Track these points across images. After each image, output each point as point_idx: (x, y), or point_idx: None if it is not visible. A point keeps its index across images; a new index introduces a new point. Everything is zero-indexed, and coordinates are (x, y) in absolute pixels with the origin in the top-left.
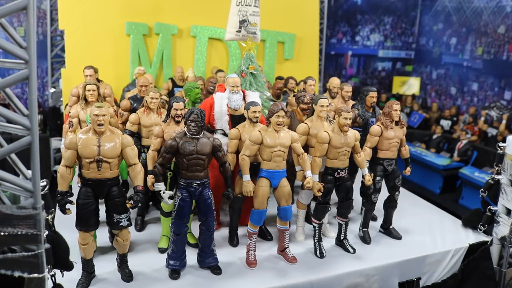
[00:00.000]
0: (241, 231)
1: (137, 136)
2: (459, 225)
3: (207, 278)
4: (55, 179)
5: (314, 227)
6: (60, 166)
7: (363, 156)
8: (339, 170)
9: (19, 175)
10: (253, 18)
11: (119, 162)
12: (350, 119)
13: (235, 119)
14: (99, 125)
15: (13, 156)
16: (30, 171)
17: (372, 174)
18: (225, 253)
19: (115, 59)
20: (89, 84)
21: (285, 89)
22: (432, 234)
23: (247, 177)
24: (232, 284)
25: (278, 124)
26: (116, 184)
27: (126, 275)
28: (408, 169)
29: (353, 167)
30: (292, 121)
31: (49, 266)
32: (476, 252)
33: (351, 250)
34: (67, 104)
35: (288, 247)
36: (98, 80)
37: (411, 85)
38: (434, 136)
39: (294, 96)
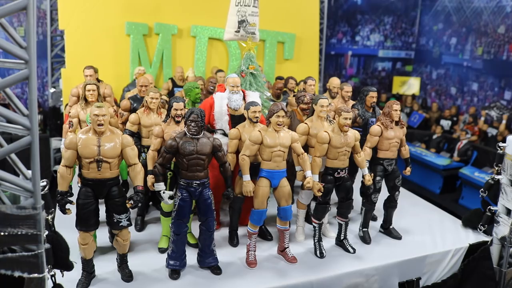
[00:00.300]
0: (241, 231)
1: (137, 136)
2: (459, 225)
3: (207, 278)
4: (55, 179)
5: (314, 227)
6: (60, 166)
7: (363, 156)
8: (339, 170)
9: (19, 175)
10: (252, 18)
11: (119, 162)
12: (350, 119)
13: (235, 119)
14: (99, 125)
15: (13, 156)
16: (30, 171)
17: (372, 174)
18: (225, 253)
19: (115, 59)
20: (89, 84)
21: (285, 89)
22: (432, 234)
23: (247, 177)
24: (232, 284)
25: (278, 124)
26: (116, 184)
27: (126, 275)
28: (408, 169)
29: (353, 167)
30: (292, 121)
31: (49, 266)
32: (476, 252)
33: (351, 250)
34: (67, 104)
35: (288, 247)
36: (98, 80)
37: (411, 85)
38: (434, 136)
39: (294, 96)
